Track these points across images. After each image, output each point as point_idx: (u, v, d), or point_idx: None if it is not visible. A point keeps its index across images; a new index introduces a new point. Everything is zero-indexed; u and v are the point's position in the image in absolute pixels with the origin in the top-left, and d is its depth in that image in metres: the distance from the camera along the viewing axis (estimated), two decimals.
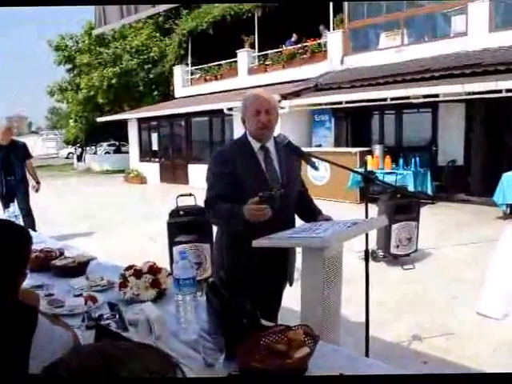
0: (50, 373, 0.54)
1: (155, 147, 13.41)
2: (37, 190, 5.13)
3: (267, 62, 11.34)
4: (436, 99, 7.37)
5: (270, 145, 1.80)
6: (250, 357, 1.10)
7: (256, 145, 1.78)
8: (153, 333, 1.28)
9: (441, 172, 7.77)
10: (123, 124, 14.70)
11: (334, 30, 9.95)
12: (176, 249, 3.37)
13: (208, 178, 1.80)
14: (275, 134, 1.82)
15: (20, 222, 2.42)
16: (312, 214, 1.89)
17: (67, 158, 28.58)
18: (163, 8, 2.51)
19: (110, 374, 0.51)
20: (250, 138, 1.79)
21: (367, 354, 1.92)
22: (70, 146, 25.31)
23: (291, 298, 1.88)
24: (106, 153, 20.59)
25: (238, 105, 1.90)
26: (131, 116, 14.01)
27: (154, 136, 13.42)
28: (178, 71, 14.01)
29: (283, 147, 1.78)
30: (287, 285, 1.89)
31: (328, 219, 1.83)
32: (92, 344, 0.91)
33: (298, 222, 1.89)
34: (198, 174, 10.98)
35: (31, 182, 5.12)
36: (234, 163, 1.72)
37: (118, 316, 1.34)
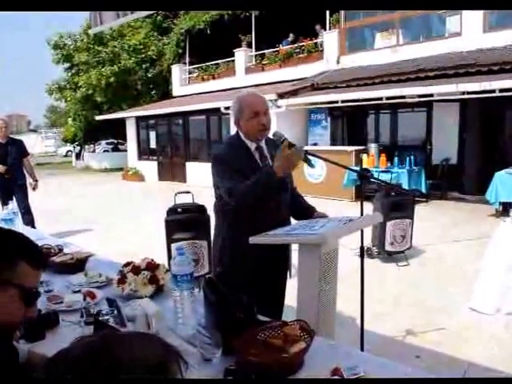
0: (54, 362, 0.54)
1: (153, 145, 13.40)
2: (34, 188, 5.11)
3: (264, 62, 11.36)
4: (430, 99, 7.42)
5: (263, 144, 1.83)
6: (247, 351, 1.11)
7: (252, 145, 1.79)
8: (151, 328, 1.29)
9: (435, 170, 7.83)
10: (121, 122, 14.66)
11: (330, 29, 9.98)
12: (174, 246, 3.39)
13: (223, 173, 1.73)
14: (272, 131, 1.84)
15: (19, 219, 2.43)
16: (306, 211, 1.91)
17: (66, 156, 28.49)
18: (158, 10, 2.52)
19: (112, 360, 0.51)
20: (244, 139, 1.79)
21: (362, 349, 1.96)
22: (68, 144, 25.24)
23: (288, 293, 1.92)
24: (104, 151, 20.48)
25: None
26: (129, 114, 13.98)
27: (152, 134, 13.41)
28: (176, 70, 14.00)
29: (272, 144, 1.80)
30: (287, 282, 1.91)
31: (323, 216, 1.86)
32: (94, 333, 0.91)
33: (293, 221, 1.92)
34: (195, 172, 11.01)
35: (29, 180, 5.10)
36: (234, 164, 1.73)
37: (116, 312, 1.34)
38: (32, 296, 0.91)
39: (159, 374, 0.52)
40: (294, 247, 1.66)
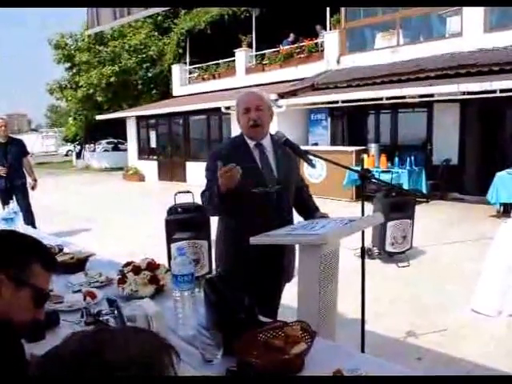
0: (48, 358, 0.54)
1: (153, 145, 13.41)
2: (33, 188, 5.11)
3: (264, 62, 11.35)
4: (431, 99, 7.42)
5: (266, 142, 1.82)
6: (248, 353, 1.10)
7: (251, 142, 1.80)
8: (151, 329, 1.29)
9: (435, 171, 7.82)
10: (122, 122, 14.67)
11: (330, 30, 9.97)
12: (174, 245, 3.39)
13: (205, 173, 1.82)
14: (273, 131, 1.84)
15: (19, 218, 2.43)
16: (309, 211, 1.92)
17: (66, 155, 28.44)
18: (156, 10, 2.51)
19: (105, 357, 0.51)
20: (245, 136, 1.81)
21: (363, 349, 1.95)
22: (69, 144, 25.24)
23: (288, 294, 1.91)
24: (104, 150, 20.47)
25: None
26: (130, 114, 13.99)
27: (153, 134, 13.42)
28: (177, 70, 14.00)
29: (281, 144, 1.79)
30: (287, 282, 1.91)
31: (325, 216, 1.86)
32: (87, 330, 0.91)
33: (297, 218, 1.92)
34: (195, 171, 10.99)
35: (28, 179, 5.10)
36: (229, 160, 1.73)
37: (116, 312, 1.34)
38: (43, 297, 0.93)
39: (153, 369, 0.52)
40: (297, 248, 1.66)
